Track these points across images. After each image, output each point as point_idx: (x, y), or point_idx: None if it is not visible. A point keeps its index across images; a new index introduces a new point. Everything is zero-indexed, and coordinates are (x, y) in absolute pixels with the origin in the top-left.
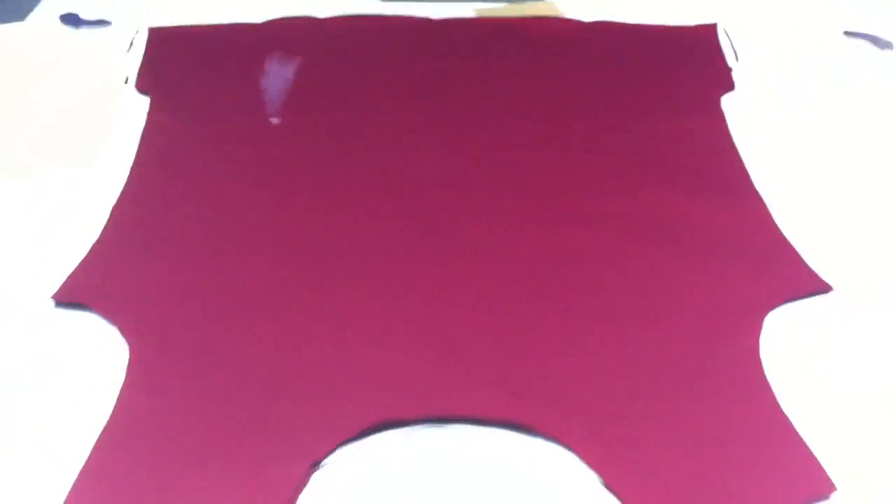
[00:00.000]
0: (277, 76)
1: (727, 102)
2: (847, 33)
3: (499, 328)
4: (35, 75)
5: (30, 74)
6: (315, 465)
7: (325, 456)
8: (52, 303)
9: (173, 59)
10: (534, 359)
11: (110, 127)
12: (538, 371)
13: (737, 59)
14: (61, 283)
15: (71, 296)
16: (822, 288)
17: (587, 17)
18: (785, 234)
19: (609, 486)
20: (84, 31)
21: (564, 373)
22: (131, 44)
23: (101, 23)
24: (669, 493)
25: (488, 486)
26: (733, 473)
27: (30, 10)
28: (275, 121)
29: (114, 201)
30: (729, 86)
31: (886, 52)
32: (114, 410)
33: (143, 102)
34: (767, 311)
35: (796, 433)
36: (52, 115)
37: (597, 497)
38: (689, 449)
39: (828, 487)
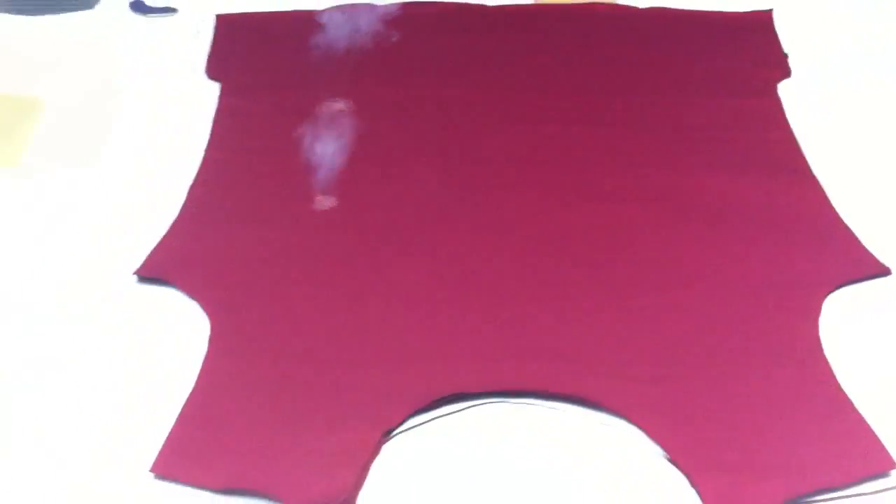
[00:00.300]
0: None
1: (783, 88)
2: None
3: (560, 303)
4: (105, 62)
5: (100, 61)
6: (388, 434)
7: (398, 425)
8: (134, 278)
9: (240, 45)
10: (596, 333)
11: (180, 113)
12: (600, 345)
13: (793, 45)
14: (143, 259)
15: (152, 271)
16: (881, 271)
17: (642, 3)
18: (842, 217)
19: (672, 460)
20: (152, 19)
21: (625, 347)
22: (199, 31)
23: (168, 10)
24: (731, 466)
25: (552, 459)
26: (795, 447)
27: None
28: (340, 104)
29: (189, 181)
30: (785, 72)
31: None
32: (197, 379)
33: (213, 87)
34: (826, 293)
35: (855, 409)
36: (123, 100)
37: (660, 470)
38: (750, 422)
39: (888, 464)
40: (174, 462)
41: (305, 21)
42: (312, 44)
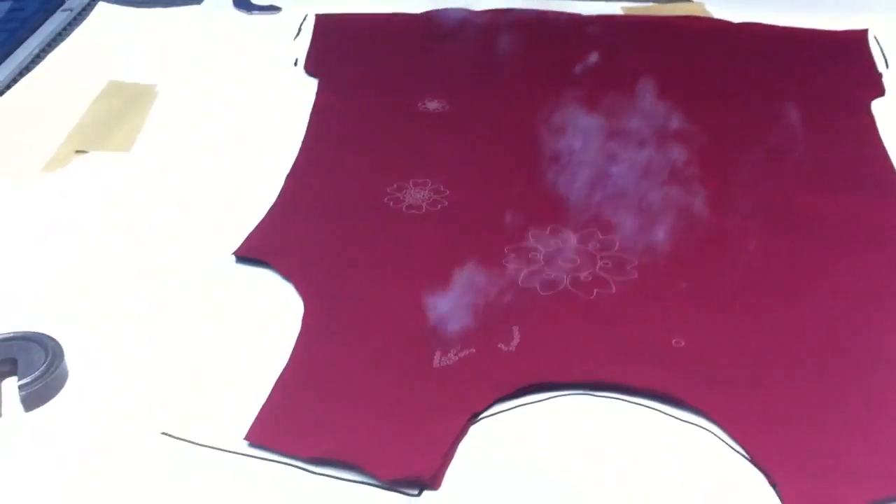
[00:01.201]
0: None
1: (877, 107)
2: None
3: (649, 303)
4: (209, 57)
5: (204, 56)
6: (474, 417)
7: (484, 409)
8: (233, 259)
9: (338, 44)
10: (688, 335)
11: (280, 106)
12: (691, 346)
13: (887, 65)
14: (241, 241)
15: (250, 252)
16: None
17: (735, 18)
18: None
19: (755, 461)
20: (256, 17)
21: (713, 348)
22: (300, 29)
23: (272, 9)
24: (814, 471)
25: (631, 455)
26: (876, 455)
27: None
28: (433, 104)
29: (287, 170)
30: (879, 90)
31: None
32: (291, 356)
33: (311, 83)
34: None
35: None
36: (228, 92)
37: (742, 471)
38: (834, 428)
39: None
40: (268, 432)
41: (402, 23)
42: (407, 44)
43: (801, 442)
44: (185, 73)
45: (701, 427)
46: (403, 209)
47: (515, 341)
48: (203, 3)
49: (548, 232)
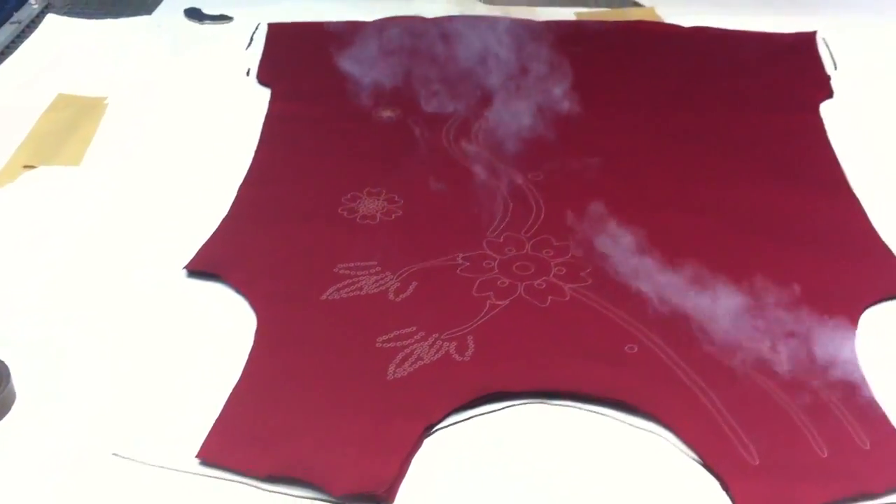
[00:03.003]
0: None
1: (825, 108)
2: None
3: (602, 310)
4: (160, 67)
5: (155, 66)
6: (429, 428)
7: (440, 420)
8: (184, 273)
9: (291, 53)
10: (634, 340)
11: (232, 116)
12: (641, 351)
13: (835, 67)
14: (193, 254)
15: (202, 266)
16: None
17: (686, 22)
18: (880, 234)
19: (707, 465)
20: (207, 26)
21: (665, 353)
22: (252, 38)
23: (224, 18)
24: (767, 473)
25: (586, 461)
26: (829, 455)
27: (156, 4)
28: (387, 113)
29: (240, 181)
30: (827, 92)
31: None
32: (244, 370)
33: (264, 93)
34: (863, 308)
35: (889, 421)
36: (180, 102)
37: (694, 474)
38: (784, 428)
39: None
40: (220, 449)
41: (353, 31)
42: (360, 53)
43: (752, 445)
44: (136, 84)
45: (654, 433)
46: (357, 219)
47: (470, 351)
48: (154, 13)
49: (502, 240)
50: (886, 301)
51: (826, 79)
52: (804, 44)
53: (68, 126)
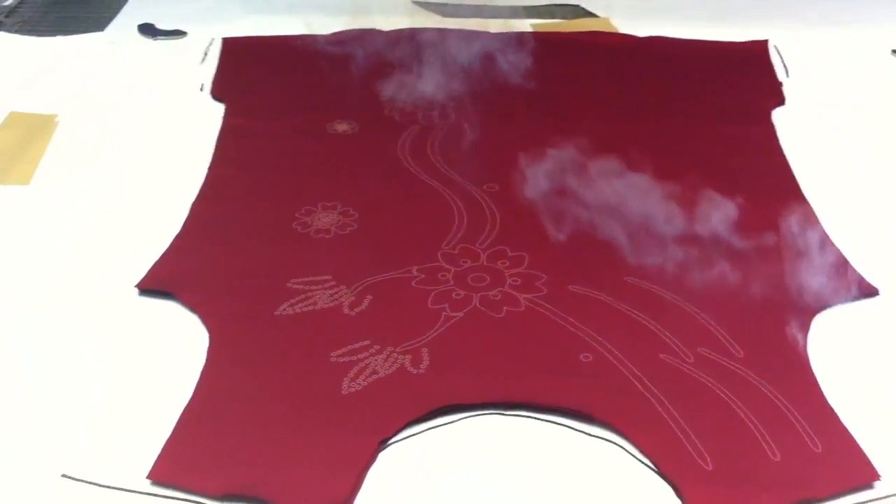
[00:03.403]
0: None
1: (777, 115)
2: (895, 52)
3: (556, 320)
4: (113, 84)
5: (108, 83)
6: (384, 443)
7: (394, 434)
8: (135, 291)
9: (245, 67)
10: (592, 349)
11: (185, 132)
12: (595, 360)
13: (787, 74)
14: (144, 273)
15: (153, 284)
16: (869, 291)
17: (641, 32)
18: (832, 239)
19: (662, 473)
20: (161, 42)
21: (620, 362)
22: (205, 53)
23: (177, 33)
24: (721, 480)
25: (542, 470)
26: (782, 460)
27: (109, 20)
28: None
29: (192, 197)
30: (780, 99)
31: None
32: (196, 388)
33: (218, 108)
34: (816, 313)
35: (841, 423)
36: (131, 119)
37: (651, 483)
38: (737, 433)
39: (872, 475)
40: (172, 469)
41: (308, 46)
42: (315, 67)
43: (705, 452)
44: (88, 101)
45: (609, 441)
46: (312, 234)
47: (425, 364)
48: (106, 30)
49: (457, 252)
50: (838, 306)
51: (778, 86)
52: (757, 52)
53: (18, 145)
